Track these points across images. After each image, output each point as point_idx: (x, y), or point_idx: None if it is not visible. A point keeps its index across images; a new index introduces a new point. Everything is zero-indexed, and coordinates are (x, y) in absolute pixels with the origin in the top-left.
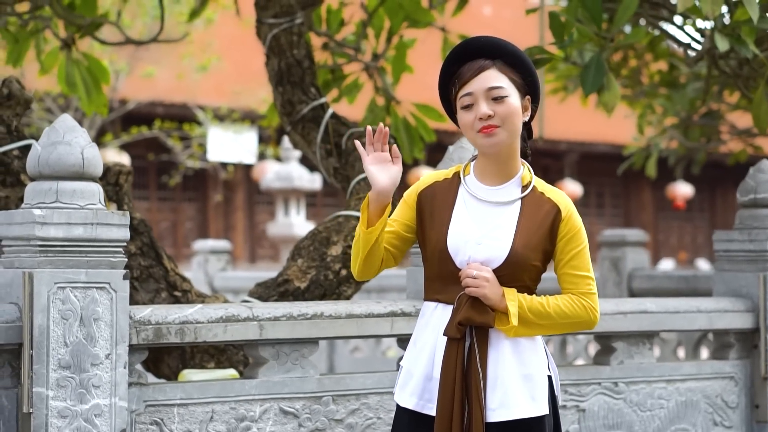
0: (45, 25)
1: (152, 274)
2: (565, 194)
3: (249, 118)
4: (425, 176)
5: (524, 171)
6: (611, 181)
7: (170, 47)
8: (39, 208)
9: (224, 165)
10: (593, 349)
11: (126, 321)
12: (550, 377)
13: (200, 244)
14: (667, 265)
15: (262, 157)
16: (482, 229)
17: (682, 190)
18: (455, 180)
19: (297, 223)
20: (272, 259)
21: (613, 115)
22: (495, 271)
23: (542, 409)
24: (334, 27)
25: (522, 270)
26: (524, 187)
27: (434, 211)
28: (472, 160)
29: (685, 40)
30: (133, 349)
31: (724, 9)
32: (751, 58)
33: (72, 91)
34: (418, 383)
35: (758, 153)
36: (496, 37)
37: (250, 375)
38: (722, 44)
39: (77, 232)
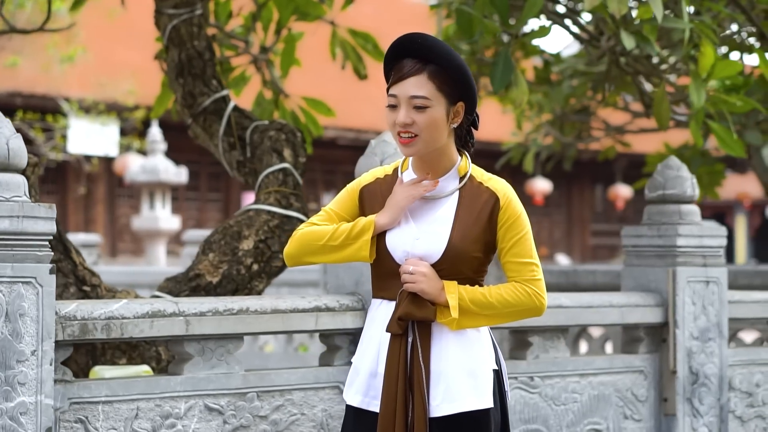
0: None
1: (61, 268)
2: (504, 181)
3: (114, 109)
4: (368, 173)
5: (462, 162)
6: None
7: (34, 37)
8: None
9: (88, 157)
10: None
11: (52, 317)
12: (496, 371)
13: (70, 238)
14: None
15: (125, 149)
16: (420, 225)
17: (542, 185)
18: (395, 176)
19: (163, 216)
20: (133, 254)
21: (481, 112)
22: (434, 265)
23: (487, 402)
24: (223, 18)
25: (461, 262)
26: (461, 178)
27: (374, 208)
28: None
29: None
30: (58, 345)
31: (632, 3)
32: (654, 55)
33: None
34: (363, 380)
35: (627, 150)
36: (433, 38)
37: (174, 371)
38: (628, 42)
39: (3, 225)
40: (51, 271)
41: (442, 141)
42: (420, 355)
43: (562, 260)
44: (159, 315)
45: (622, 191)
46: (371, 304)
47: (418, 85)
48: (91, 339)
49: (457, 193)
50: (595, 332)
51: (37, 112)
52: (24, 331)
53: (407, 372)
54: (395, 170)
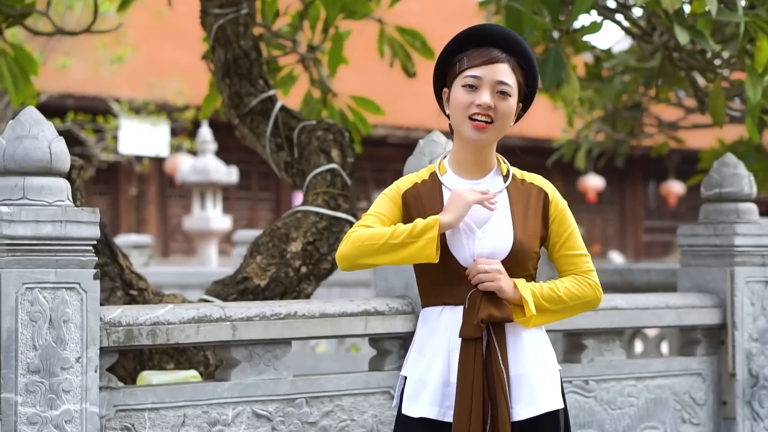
0: None
1: (107, 272)
2: (541, 176)
3: (164, 110)
4: (403, 178)
5: (499, 161)
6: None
7: (84, 38)
8: (5, 205)
9: (139, 158)
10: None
11: (97, 323)
12: (560, 370)
13: (122, 239)
14: None
15: (175, 150)
16: (479, 224)
17: (594, 182)
18: (434, 180)
19: (213, 216)
20: (185, 254)
21: (532, 109)
22: (501, 263)
23: (560, 402)
24: (270, 18)
25: (526, 258)
26: (505, 177)
27: (422, 213)
28: (444, 157)
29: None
30: (103, 351)
31: None
32: (709, 51)
33: None
34: (435, 391)
35: (680, 146)
36: (516, 34)
37: (222, 377)
38: (682, 37)
39: (46, 230)
40: (95, 277)
41: (503, 134)
42: (499, 357)
43: (616, 258)
44: (205, 320)
45: (675, 187)
46: (427, 313)
47: (506, 73)
48: (137, 345)
49: (505, 191)
50: (651, 332)
51: (88, 113)
52: (68, 337)
53: (484, 377)
54: (432, 174)
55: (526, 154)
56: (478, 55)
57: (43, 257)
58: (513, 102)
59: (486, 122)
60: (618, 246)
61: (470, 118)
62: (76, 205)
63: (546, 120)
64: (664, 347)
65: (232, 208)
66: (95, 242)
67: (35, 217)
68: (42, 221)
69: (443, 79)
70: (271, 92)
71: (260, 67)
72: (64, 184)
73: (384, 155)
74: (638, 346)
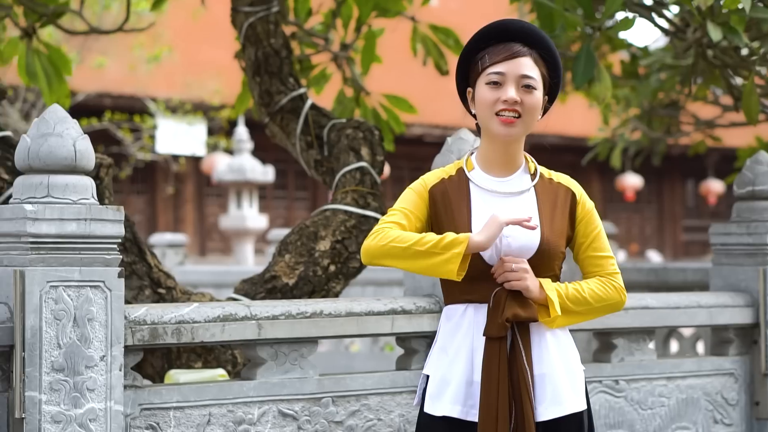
0: (5, 13)
1: (135, 270)
2: (568, 176)
3: (200, 109)
4: (431, 173)
5: (527, 160)
6: (561, 172)
7: (120, 38)
8: (30, 203)
9: (176, 157)
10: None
11: (121, 321)
12: (584, 370)
13: (157, 238)
14: (618, 256)
15: (212, 149)
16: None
17: (632, 181)
18: (461, 176)
19: (250, 215)
20: (222, 253)
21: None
22: (528, 261)
23: (584, 403)
24: (303, 16)
25: (553, 258)
26: (532, 175)
27: (449, 209)
28: (471, 154)
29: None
30: (128, 350)
31: None
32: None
33: (33, 82)
34: (458, 390)
35: (719, 144)
36: (535, 26)
37: (247, 376)
38: (715, 34)
39: (70, 229)
40: (120, 275)
41: (531, 128)
42: (524, 357)
43: (654, 257)
44: (230, 318)
45: (714, 186)
46: (450, 311)
47: (528, 66)
48: (161, 344)
49: (532, 189)
50: (687, 331)
51: (125, 112)
52: (92, 336)
53: (509, 376)
54: (459, 170)
55: (564, 152)
56: (499, 51)
57: (67, 255)
58: (539, 95)
59: (513, 117)
60: (656, 245)
61: (497, 114)
62: (104, 204)
63: (583, 118)
64: (700, 347)
65: (269, 207)
66: (120, 240)
67: (60, 215)
68: (66, 219)
69: (466, 79)
70: (302, 90)
71: (290, 65)
72: (88, 182)
73: (421, 154)
74: (674, 346)
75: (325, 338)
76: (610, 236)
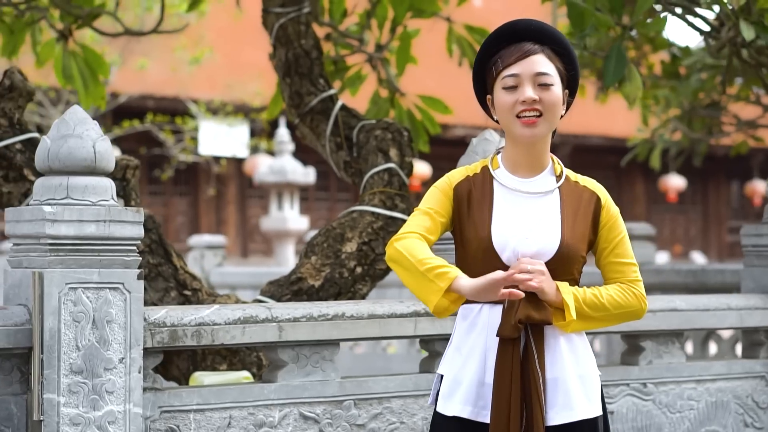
0: (41, 15)
1: (161, 272)
2: (595, 181)
3: (241, 111)
4: (456, 170)
5: (554, 161)
6: (604, 173)
7: (162, 39)
8: (49, 204)
9: (217, 159)
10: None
11: (140, 323)
12: (600, 376)
13: (196, 239)
14: (661, 258)
15: (254, 150)
16: (527, 223)
17: (675, 182)
18: (486, 174)
19: (291, 217)
20: (264, 254)
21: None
22: (545, 264)
23: (598, 409)
24: (338, 17)
25: (572, 262)
26: (558, 177)
27: (471, 206)
28: (497, 153)
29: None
30: (147, 352)
31: None
32: None
33: (69, 84)
34: (470, 390)
35: (760, 145)
36: (544, 22)
37: (268, 379)
38: (748, 33)
39: (89, 230)
40: (139, 277)
41: (556, 125)
42: (536, 360)
43: (698, 258)
44: (251, 321)
45: (759, 187)
46: (466, 310)
47: (542, 63)
48: (181, 346)
49: (557, 191)
50: (725, 333)
51: (167, 114)
52: (111, 338)
53: (521, 378)
54: (484, 168)
55: (607, 153)
56: (511, 52)
57: (86, 257)
58: (557, 90)
59: (535, 116)
60: (701, 246)
61: (518, 116)
62: (131, 206)
63: (626, 119)
64: (739, 349)
65: (311, 208)
66: (139, 242)
67: (79, 216)
68: (85, 221)
69: (485, 86)
70: (332, 91)
71: (321, 66)
72: (108, 183)
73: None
74: (712, 348)
75: (347, 341)
76: (648, 238)
